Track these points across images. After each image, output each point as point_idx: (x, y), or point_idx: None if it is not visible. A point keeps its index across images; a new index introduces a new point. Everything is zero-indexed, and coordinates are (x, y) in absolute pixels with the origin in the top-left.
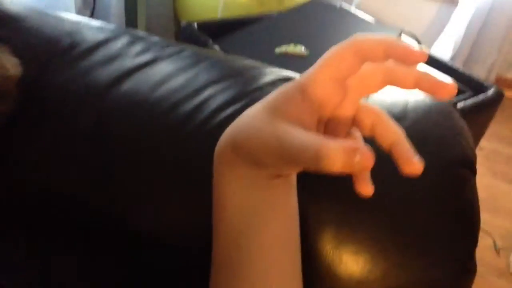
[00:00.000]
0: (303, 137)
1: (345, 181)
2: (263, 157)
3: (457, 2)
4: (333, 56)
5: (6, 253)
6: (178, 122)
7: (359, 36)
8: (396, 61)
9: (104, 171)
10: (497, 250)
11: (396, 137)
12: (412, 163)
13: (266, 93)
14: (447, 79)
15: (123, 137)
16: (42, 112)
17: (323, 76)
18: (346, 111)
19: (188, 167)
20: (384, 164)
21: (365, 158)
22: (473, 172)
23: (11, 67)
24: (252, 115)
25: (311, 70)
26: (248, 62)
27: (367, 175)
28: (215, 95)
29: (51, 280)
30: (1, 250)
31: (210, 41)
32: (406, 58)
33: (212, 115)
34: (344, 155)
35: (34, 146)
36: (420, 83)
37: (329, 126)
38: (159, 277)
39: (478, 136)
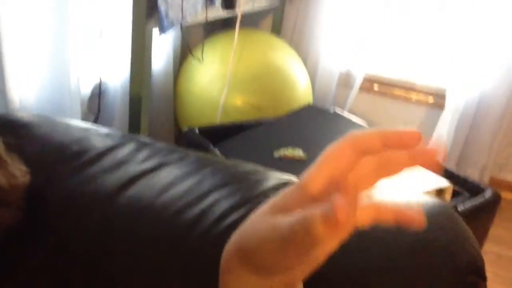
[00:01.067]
0: (291, 216)
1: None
2: (264, 253)
3: (444, 106)
4: (330, 153)
5: None
6: (182, 229)
7: (354, 132)
8: (394, 148)
9: (109, 272)
10: None
11: (395, 208)
12: (415, 220)
13: (270, 198)
14: (443, 181)
15: (128, 243)
16: (48, 216)
17: (321, 174)
18: None
19: (192, 276)
20: (386, 269)
21: (337, 207)
22: (483, 278)
23: (20, 176)
24: (255, 220)
25: (310, 169)
26: (250, 167)
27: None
28: (219, 201)
29: None
30: None
31: (211, 145)
32: (402, 142)
33: (216, 222)
34: (321, 212)
35: (39, 248)
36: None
37: None
38: None
39: (480, 239)
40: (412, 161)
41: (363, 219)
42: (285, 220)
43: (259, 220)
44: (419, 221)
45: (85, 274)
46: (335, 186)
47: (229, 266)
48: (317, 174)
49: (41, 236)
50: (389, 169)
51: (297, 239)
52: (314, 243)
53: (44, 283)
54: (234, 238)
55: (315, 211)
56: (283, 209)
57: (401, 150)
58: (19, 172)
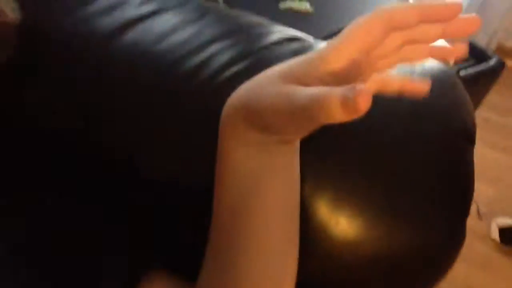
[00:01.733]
0: (310, 90)
1: (344, 145)
2: (274, 119)
3: None
4: (358, 28)
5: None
6: (182, 77)
7: (387, 7)
8: (432, 22)
9: (104, 117)
10: (479, 216)
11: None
12: (418, 86)
13: (272, 52)
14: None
15: (125, 86)
16: (41, 57)
17: (346, 50)
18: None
19: (191, 121)
20: (385, 129)
21: (359, 94)
22: (472, 143)
23: (10, 12)
24: (265, 81)
25: (335, 42)
26: (253, 18)
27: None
28: (221, 52)
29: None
30: None
31: None
32: (443, 15)
33: (217, 72)
34: (342, 95)
35: (33, 89)
36: (433, 51)
37: None
38: (159, 215)
39: (475, 104)
40: (445, 35)
41: (386, 60)
42: (302, 93)
43: (271, 84)
44: (422, 90)
45: (78, 113)
46: (357, 65)
47: (232, 121)
48: (341, 50)
49: (35, 71)
50: (415, 49)
51: (310, 113)
52: (325, 119)
53: (41, 111)
54: (239, 94)
55: (336, 91)
56: (300, 80)
57: (435, 24)
58: (9, 7)
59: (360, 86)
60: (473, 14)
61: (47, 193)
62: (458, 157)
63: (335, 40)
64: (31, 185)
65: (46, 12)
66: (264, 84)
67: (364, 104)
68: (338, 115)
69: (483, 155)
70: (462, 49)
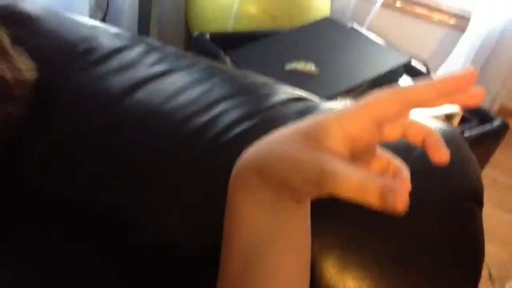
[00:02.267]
0: (347, 169)
1: (351, 205)
2: (296, 181)
3: (465, 29)
4: (380, 99)
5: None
6: (190, 135)
7: (406, 86)
8: (452, 93)
9: (114, 173)
10: (492, 280)
11: (427, 130)
12: (441, 152)
13: (278, 112)
14: (452, 106)
15: (136, 143)
16: (54, 112)
17: (366, 116)
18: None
19: (199, 179)
20: None
21: (399, 197)
22: (480, 204)
23: (26, 71)
24: (281, 140)
25: (353, 107)
26: (260, 79)
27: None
28: (228, 111)
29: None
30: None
31: (222, 52)
32: (460, 86)
33: (224, 130)
34: (381, 192)
35: (43, 145)
36: (426, 139)
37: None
38: (160, 283)
39: (481, 165)
40: (424, 142)
41: (392, 133)
42: (340, 169)
43: (290, 142)
44: (445, 155)
45: (87, 169)
46: (369, 133)
47: (246, 176)
48: (360, 115)
49: (48, 128)
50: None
51: (344, 191)
52: (356, 201)
53: (50, 169)
54: (254, 150)
55: (375, 183)
56: (321, 144)
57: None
58: (25, 66)
59: (400, 187)
60: (478, 87)
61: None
62: (467, 219)
63: (352, 106)
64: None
65: (60, 72)
66: (281, 144)
67: (401, 207)
68: (373, 203)
69: (492, 216)
70: (476, 95)
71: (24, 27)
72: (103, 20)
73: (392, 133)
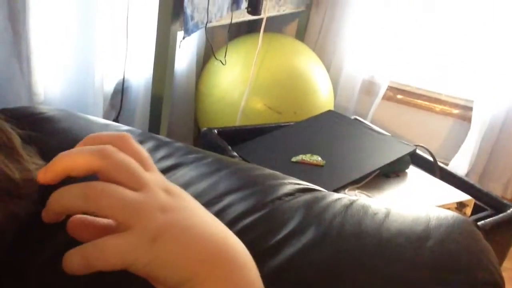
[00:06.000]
0: None
1: None
2: None
3: (467, 117)
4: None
5: None
6: None
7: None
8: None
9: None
10: None
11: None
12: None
13: (286, 203)
14: (464, 195)
15: None
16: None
17: None
18: None
19: None
20: (405, 283)
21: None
22: None
23: (34, 169)
24: None
25: None
26: (266, 171)
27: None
28: (234, 204)
29: None
30: None
31: (229, 147)
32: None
33: (229, 225)
34: None
35: (47, 243)
36: None
37: None
38: None
39: (501, 258)
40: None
41: None
42: None
43: None
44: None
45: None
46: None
47: None
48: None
49: (50, 231)
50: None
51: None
52: None
53: (51, 279)
54: None
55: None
56: None
57: None
58: (34, 165)
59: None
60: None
61: None
62: None
63: None
64: None
65: None
66: None
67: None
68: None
69: None
70: None
71: (37, 127)
72: (116, 119)
73: None
